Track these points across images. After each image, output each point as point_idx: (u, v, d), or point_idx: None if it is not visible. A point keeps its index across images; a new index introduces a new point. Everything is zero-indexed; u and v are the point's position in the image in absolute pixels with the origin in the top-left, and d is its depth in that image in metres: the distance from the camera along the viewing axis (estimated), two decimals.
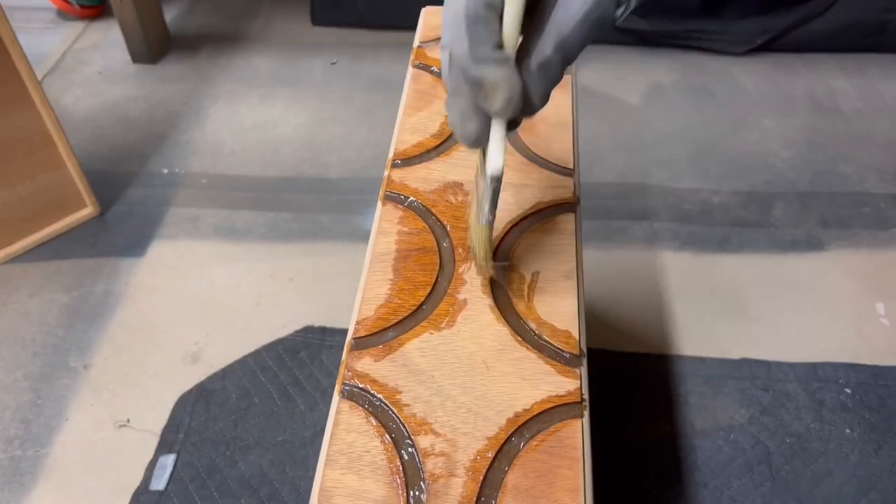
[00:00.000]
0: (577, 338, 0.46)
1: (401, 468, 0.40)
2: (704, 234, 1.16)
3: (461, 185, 0.55)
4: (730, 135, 1.36)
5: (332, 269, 1.09)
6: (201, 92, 1.44)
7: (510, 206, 0.54)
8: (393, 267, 0.50)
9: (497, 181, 0.40)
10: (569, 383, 0.44)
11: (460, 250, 0.51)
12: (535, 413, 0.42)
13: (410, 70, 0.67)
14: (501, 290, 0.49)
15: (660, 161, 1.30)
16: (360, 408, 0.42)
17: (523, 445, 0.41)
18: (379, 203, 0.54)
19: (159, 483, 0.84)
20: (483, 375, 0.44)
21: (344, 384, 0.44)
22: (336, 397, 0.43)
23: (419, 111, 0.62)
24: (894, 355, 0.99)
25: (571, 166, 0.57)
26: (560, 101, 0.63)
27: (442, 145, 0.59)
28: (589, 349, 0.47)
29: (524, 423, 0.42)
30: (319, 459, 0.41)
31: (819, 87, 1.47)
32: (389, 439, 0.41)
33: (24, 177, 1.05)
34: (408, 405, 0.42)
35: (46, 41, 1.57)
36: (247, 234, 1.15)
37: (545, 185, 0.56)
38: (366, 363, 0.45)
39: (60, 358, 0.97)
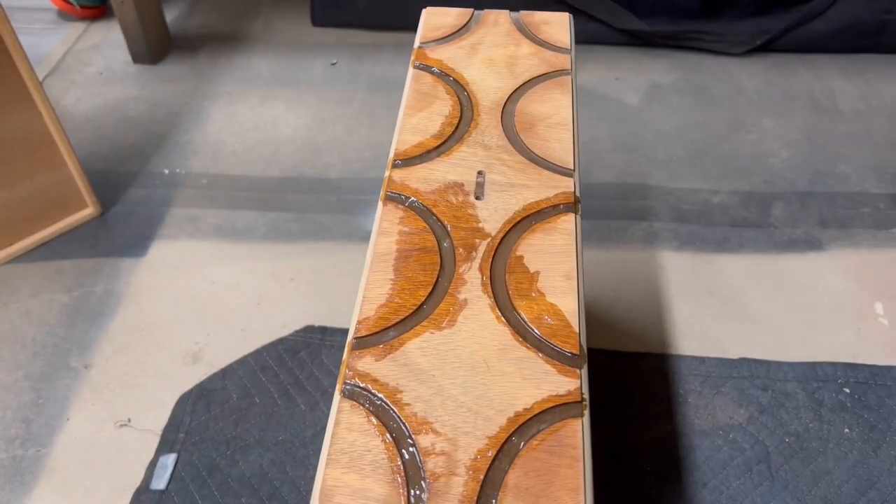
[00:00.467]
0: (578, 337, 0.46)
1: (402, 467, 0.40)
2: (704, 234, 1.16)
3: (462, 185, 0.56)
4: (729, 135, 1.36)
5: (333, 269, 1.10)
6: (202, 92, 1.44)
7: (510, 206, 0.54)
8: (394, 267, 0.50)
9: None
10: (569, 383, 0.44)
11: (461, 250, 0.51)
12: (536, 412, 0.42)
13: (411, 70, 0.67)
14: (502, 290, 0.49)
15: (659, 161, 1.30)
16: (361, 407, 0.43)
17: (524, 445, 0.41)
18: (380, 203, 0.55)
19: (160, 482, 0.85)
20: (483, 375, 0.44)
21: (345, 383, 0.44)
22: (337, 397, 0.43)
23: (420, 111, 0.62)
24: (893, 355, 0.99)
25: (571, 166, 0.58)
26: (560, 101, 0.64)
27: (442, 146, 0.59)
28: (589, 349, 0.47)
29: (524, 423, 0.42)
30: (320, 459, 0.41)
31: (818, 88, 1.48)
32: (390, 438, 0.41)
33: (25, 177, 1.06)
34: (409, 404, 0.43)
35: (47, 42, 1.57)
36: (247, 235, 1.15)
37: (545, 185, 0.56)
38: (367, 363, 0.45)
39: (61, 358, 0.97)
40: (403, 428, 0.42)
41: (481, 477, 0.40)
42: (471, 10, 0.75)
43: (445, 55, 0.68)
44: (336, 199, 1.21)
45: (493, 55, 0.68)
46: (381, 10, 1.59)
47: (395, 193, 0.55)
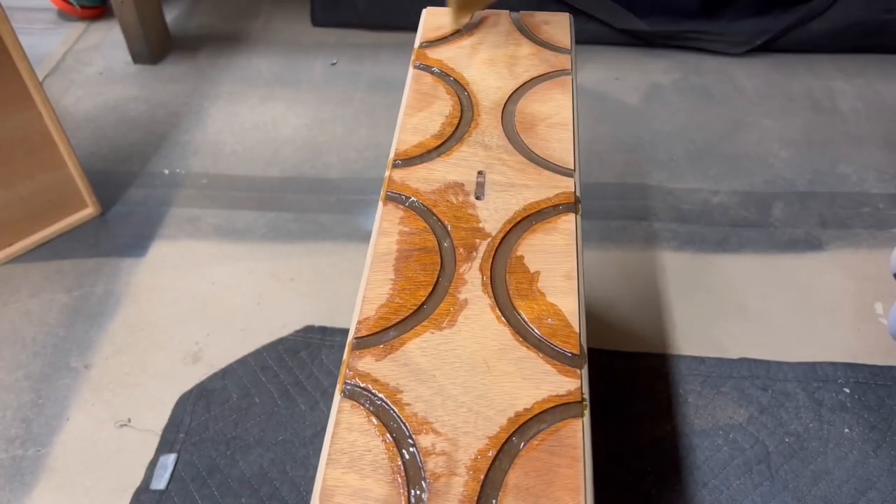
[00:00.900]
0: (578, 337, 0.46)
1: (402, 467, 0.40)
2: (704, 234, 1.16)
3: (462, 185, 0.56)
4: (729, 135, 1.36)
5: (333, 269, 1.10)
6: (202, 92, 1.44)
7: (510, 206, 0.54)
8: (394, 267, 0.50)
9: None
10: (569, 383, 0.44)
11: (461, 250, 0.51)
12: (536, 412, 0.42)
13: (411, 70, 0.67)
14: (502, 290, 0.49)
15: (659, 161, 1.30)
16: (362, 407, 0.43)
17: (524, 445, 0.41)
18: (380, 203, 0.55)
19: (160, 482, 0.85)
20: (484, 375, 0.44)
21: (345, 383, 0.44)
22: (337, 397, 0.43)
23: (420, 111, 0.62)
24: (893, 355, 0.99)
25: (571, 166, 0.58)
26: (560, 101, 0.64)
27: (443, 146, 0.59)
28: (589, 349, 0.47)
29: (525, 423, 0.42)
30: (321, 458, 0.41)
31: (818, 88, 1.48)
32: (391, 438, 0.41)
33: (25, 177, 1.05)
34: (409, 404, 0.43)
35: (47, 42, 1.57)
36: (247, 235, 1.15)
37: (545, 185, 0.56)
38: (367, 363, 0.45)
39: (61, 358, 0.97)
40: (404, 428, 0.42)
41: (481, 477, 0.40)
42: None
43: (446, 55, 0.68)
44: (336, 199, 1.21)
45: (493, 55, 0.69)
46: (381, 10, 1.59)
47: (396, 193, 0.55)
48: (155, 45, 1.51)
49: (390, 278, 0.49)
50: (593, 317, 1.03)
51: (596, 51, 1.56)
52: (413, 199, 0.55)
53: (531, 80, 0.66)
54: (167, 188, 1.22)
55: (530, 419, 0.42)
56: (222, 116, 1.38)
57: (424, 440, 0.41)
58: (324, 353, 0.97)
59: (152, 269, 1.09)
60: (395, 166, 0.57)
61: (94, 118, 1.37)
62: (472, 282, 0.49)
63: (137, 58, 1.51)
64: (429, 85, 0.65)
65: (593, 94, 1.46)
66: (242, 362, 0.97)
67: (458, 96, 0.64)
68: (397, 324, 0.47)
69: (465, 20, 0.61)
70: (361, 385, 0.44)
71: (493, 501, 0.39)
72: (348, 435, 0.41)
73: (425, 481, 0.39)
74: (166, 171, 1.26)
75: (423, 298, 0.48)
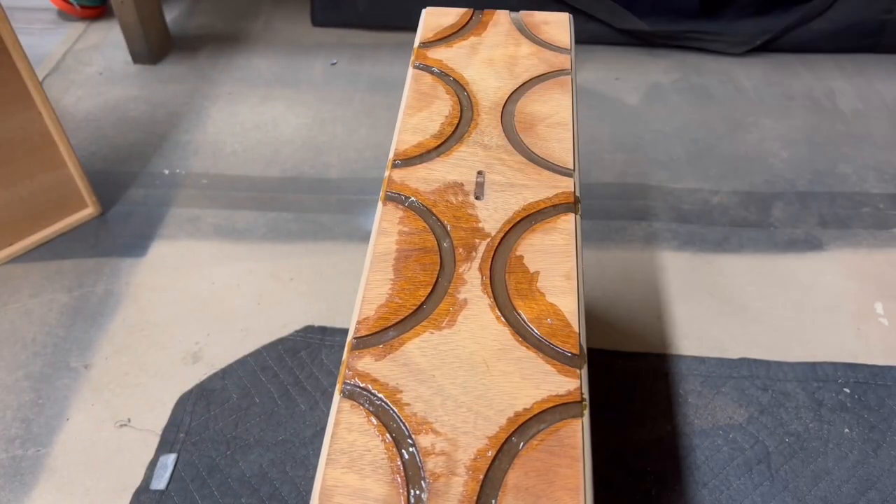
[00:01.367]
0: (578, 337, 0.46)
1: (401, 467, 0.40)
2: (704, 234, 1.16)
3: (461, 185, 0.56)
4: (729, 135, 1.36)
5: (333, 269, 1.10)
6: (202, 92, 1.44)
7: (510, 206, 0.54)
8: (394, 267, 0.50)
9: None
10: (569, 383, 0.44)
11: (461, 250, 0.51)
12: (536, 412, 0.42)
13: (411, 70, 0.67)
14: (502, 290, 0.49)
15: (659, 161, 1.30)
16: (361, 407, 0.43)
17: (523, 445, 0.41)
18: (380, 203, 0.55)
19: (160, 482, 0.85)
20: (483, 375, 0.44)
21: (345, 383, 0.44)
22: (337, 397, 0.43)
23: (419, 111, 0.62)
24: (893, 355, 0.99)
25: (571, 166, 0.58)
26: (559, 101, 0.64)
27: (442, 146, 0.59)
28: (589, 349, 0.47)
29: (524, 423, 0.42)
30: (320, 458, 0.41)
31: (818, 88, 1.48)
32: (390, 438, 0.41)
33: (25, 177, 1.06)
34: (408, 404, 0.43)
35: (47, 42, 1.57)
36: (247, 235, 1.15)
37: (545, 185, 0.56)
38: (367, 363, 0.45)
39: (61, 358, 0.97)
40: (403, 428, 0.42)
41: (481, 477, 0.40)
42: (471, 10, 0.75)
43: (445, 55, 0.68)
44: (336, 199, 1.21)
45: (493, 55, 0.69)
46: (381, 10, 1.59)
47: (395, 193, 0.55)
48: (155, 45, 1.51)
49: (390, 278, 0.49)
50: (593, 317, 1.03)
51: (596, 51, 1.56)
52: (413, 199, 0.55)
53: (531, 79, 0.66)
54: (167, 188, 1.22)
55: (530, 419, 0.42)
56: (222, 116, 1.38)
57: (424, 440, 0.41)
58: (324, 353, 0.97)
59: (152, 269, 1.09)
60: (394, 166, 0.57)
61: (94, 118, 1.37)
62: (471, 282, 0.49)
63: (137, 58, 1.51)
64: (428, 85, 0.65)
65: (593, 94, 1.46)
66: (242, 362, 0.97)
67: (458, 96, 0.64)
68: (397, 324, 0.47)
69: None
70: (361, 385, 0.44)
71: (493, 501, 0.39)
72: (348, 435, 0.41)
73: (425, 481, 0.39)
74: (166, 171, 1.26)
75: (423, 298, 0.48)
